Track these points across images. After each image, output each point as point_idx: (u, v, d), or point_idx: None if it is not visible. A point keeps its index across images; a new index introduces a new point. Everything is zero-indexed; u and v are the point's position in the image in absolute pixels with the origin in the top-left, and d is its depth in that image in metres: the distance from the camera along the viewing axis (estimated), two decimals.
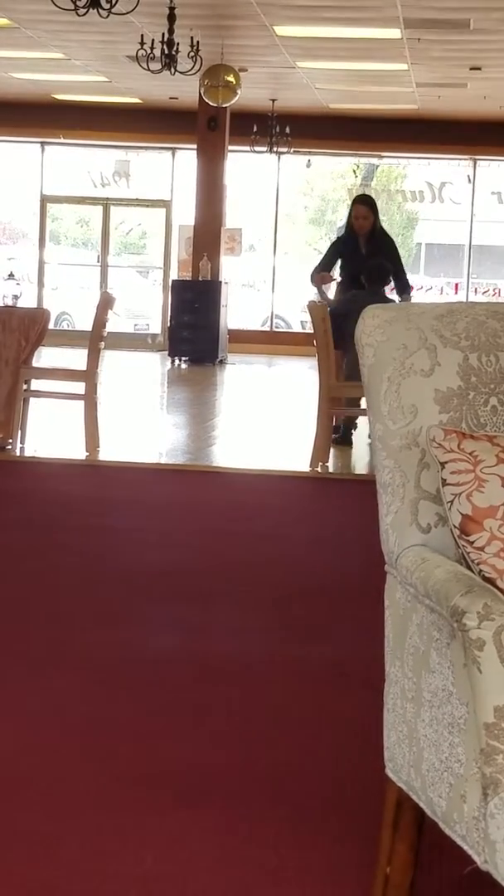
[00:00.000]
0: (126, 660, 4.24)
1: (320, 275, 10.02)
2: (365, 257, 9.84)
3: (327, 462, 8.64)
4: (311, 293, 11.05)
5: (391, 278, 9.76)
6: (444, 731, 2.26)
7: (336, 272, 10.27)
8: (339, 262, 10.22)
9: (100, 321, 8.69)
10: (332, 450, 8.87)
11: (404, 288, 10.02)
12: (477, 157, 20.35)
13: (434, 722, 2.30)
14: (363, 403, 9.12)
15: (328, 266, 10.19)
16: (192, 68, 12.39)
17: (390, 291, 10.14)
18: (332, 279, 10.12)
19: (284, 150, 18.35)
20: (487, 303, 2.76)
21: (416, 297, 21.76)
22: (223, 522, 6.80)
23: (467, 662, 2.13)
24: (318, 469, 8.49)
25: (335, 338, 8.62)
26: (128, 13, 9.87)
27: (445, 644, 2.23)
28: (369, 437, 9.79)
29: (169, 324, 17.68)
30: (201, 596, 5.16)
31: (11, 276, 14.70)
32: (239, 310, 20.82)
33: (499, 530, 2.28)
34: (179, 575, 5.50)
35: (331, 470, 8.61)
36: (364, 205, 10.14)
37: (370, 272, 9.54)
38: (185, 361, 16.98)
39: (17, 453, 8.64)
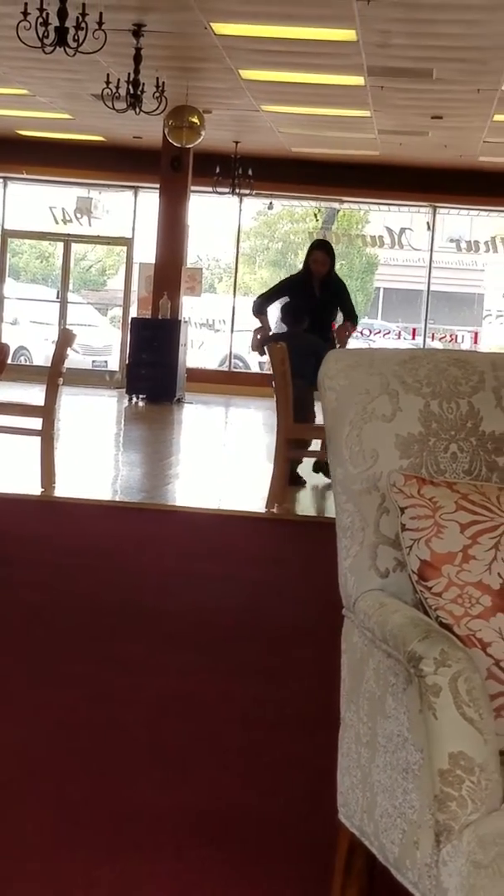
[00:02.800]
0: (75, 698, 4.21)
1: (261, 329, 10.25)
2: (318, 299, 10.06)
3: (284, 503, 8.65)
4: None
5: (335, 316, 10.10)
6: (398, 776, 2.26)
7: (273, 307, 10.51)
8: (282, 298, 10.44)
9: (59, 357, 8.68)
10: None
11: (350, 315, 10.27)
12: (436, 204, 20.54)
13: (388, 767, 2.30)
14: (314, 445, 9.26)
15: (273, 298, 10.45)
16: (156, 108, 12.45)
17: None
18: (267, 333, 10.31)
19: (247, 192, 18.45)
20: (449, 350, 2.79)
21: (375, 341, 21.95)
22: (178, 562, 6.78)
23: (423, 708, 2.13)
24: (275, 510, 8.49)
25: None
26: (94, 52, 9.92)
27: (402, 689, 2.24)
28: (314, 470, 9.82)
29: (127, 361, 17.67)
30: (154, 635, 5.13)
31: None
32: (198, 349, 20.87)
33: (457, 576, 2.29)
34: (131, 614, 5.48)
35: (287, 511, 8.62)
36: (322, 250, 10.48)
37: (322, 318, 9.79)
38: (142, 399, 16.98)
39: None
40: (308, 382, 8.44)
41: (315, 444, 9.32)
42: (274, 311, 10.74)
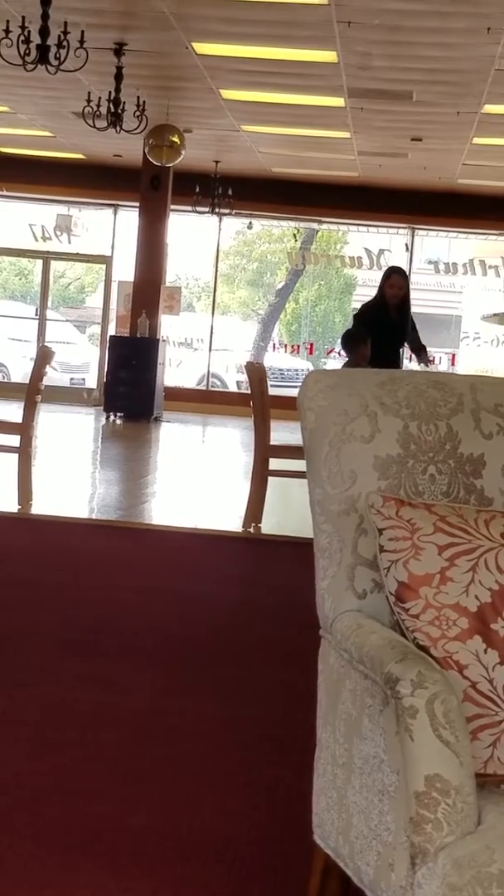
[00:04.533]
0: (51, 716, 4.19)
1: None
2: (395, 323, 10.08)
3: (260, 523, 8.64)
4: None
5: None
6: (374, 798, 2.26)
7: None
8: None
9: (37, 374, 8.66)
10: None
11: (422, 346, 10.53)
12: (415, 225, 20.62)
13: (364, 789, 2.30)
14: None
15: (362, 328, 10.23)
16: (137, 127, 12.49)
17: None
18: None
19: (226, 211, 18.50)
20: (428, 372, 2.80)
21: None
22: (154, 580, 6.77)
23: (399, 730, 2.13)
24: (251, 530, 8.49)
25: None
26: (76, 70, 9.94)
27: (378, 711, 2.23)
28: None
29: (105, 379, 17.66)
30: (129, 654, 5.12)
31: None
32: (176, 368, 20.87)
33: (434, 598, 2.29)
34: (107, 632, 5.46)
35: (263, 531, 8.61)
36: (399, 275, 10.56)
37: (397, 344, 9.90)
38: (120, 417, 16.97)
39: None
40: None
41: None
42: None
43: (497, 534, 2.35)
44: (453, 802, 2.09)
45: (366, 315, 10.53)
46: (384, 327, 10.09)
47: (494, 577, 2.31)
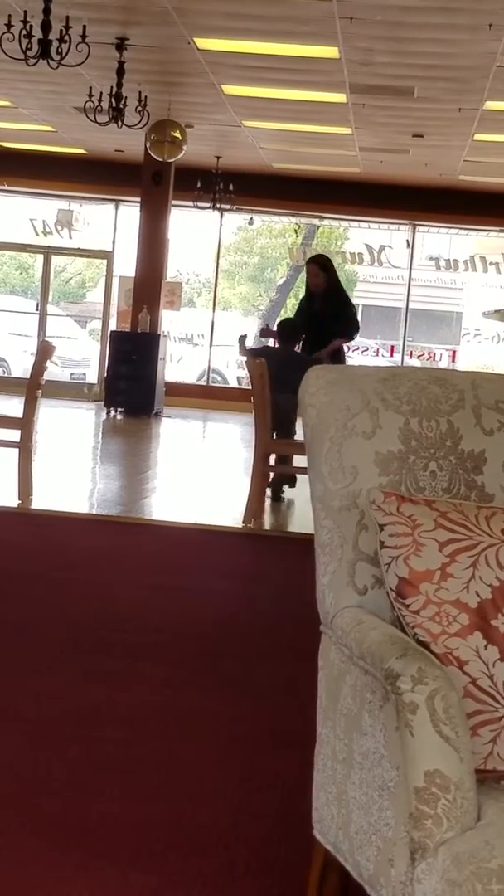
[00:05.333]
0: (52, 711, 4.20)
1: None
2: (316, 314, 10.09)
3: (260, 519, 8.65)
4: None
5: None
6: (373, 793, 2.26)
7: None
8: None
9: (38, 369, 8.66)
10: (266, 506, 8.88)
11: (342, 334, 10.25)
12: (416, 222, 20.61)
13: (364, 784, 2.30)
14: (298, 462, 9.27)
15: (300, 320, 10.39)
16: (138, 122, 12.48)
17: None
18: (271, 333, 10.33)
19: (227, 207, 18.49)
20: (429, 368, 2.81)
21: (353, 357, 21.98)
22: (154, 575, 6.77)
23: (399, 726, 2.13)
24: (251, 525, 8.49)
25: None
26: (77, 65, 9.93)
27: (378, 706, 2.24)
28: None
29: (106, 374, 17.66)
30: (129, 649, 5.12)
31: None
32: (176, 363, 20.87)
33: (435, 594, 2.30)
34: (107, 627, 5.47)
35: (264, 527, 8.62)
36: (314, 263, 10.51)
37: (318, 334, 9.80)
38: (120, 412, 16.96)
39: None
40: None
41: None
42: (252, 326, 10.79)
43: (498, 530, 2.35)
44: (453, 798, 2.09)
45: (301, 306, 10.65)
46: (312, 317, 10.19)
47: (495, 574, 2.31)
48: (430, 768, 2.09)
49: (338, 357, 10.22)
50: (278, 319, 10.44)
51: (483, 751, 2.26)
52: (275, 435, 9.05)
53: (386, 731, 2.20)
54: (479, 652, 2.27)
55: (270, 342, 10.61)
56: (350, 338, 10.61)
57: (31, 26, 9.49)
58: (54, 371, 17.10)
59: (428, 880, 2.08)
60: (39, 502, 8.60)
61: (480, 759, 2.26)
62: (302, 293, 11.27)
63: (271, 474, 9.39)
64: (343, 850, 2.39)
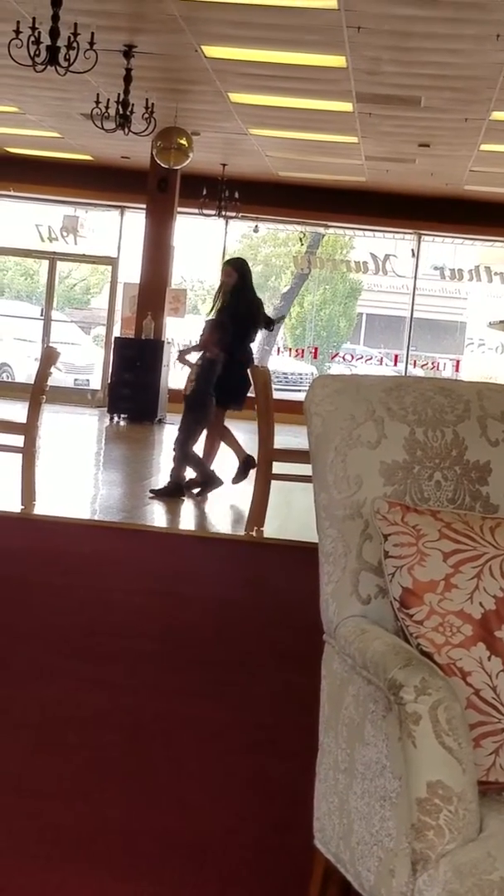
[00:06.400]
0: (52, 718, 4.19)
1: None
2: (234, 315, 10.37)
3: (263, 527, 8.64)
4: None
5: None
6: (375, 804, 2.25)
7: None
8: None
9: (42, 375, 8.67)
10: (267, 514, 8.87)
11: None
12: (421, 231, 20.61)
13: (366, 794, 2.30)
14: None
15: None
16: (145, 129, 12.49)
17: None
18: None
19: (233, 214, 18.49)
20: (435, 378, 2.80)
21: (357, 367, 21.99)
22: (156, 582, 6.77)
23: (402, 736, 2.13)
24: (254, 533, 8.49)
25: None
26: (85, 72, 9.94)
27: (381, 717, 2.23)
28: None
29: (109, 380, 17.66)
30: (131, 656, 5.12)
31: None
32: (180, 370, 20.85)
33: (438, 605, 2.29)
34: (109, 633, 5.46)
35: (266, 535, 8.61)
36: (227, 265, 10.95)
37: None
38: (123, 419, 16.96)
39: None
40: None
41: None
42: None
43: (502, 541, 2.35)
44: (455, 809, 2.09)
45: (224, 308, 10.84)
46: (233, 318, 10.41)
47: (499, 585, 2.31)
48: (432, 779, 2.09)
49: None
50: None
51: (485, 762, 2.26)
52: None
53: (388, 741, 2.20)
54: (482, 663, 2.26)
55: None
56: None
57: (39, 33, 9.49)
58: (58, 377, 17.07)
59: (430, 891, 2.07)
60: (42, 508, 8.59)
61: (483, 771, 2.25)
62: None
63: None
64: (344, 860, 2.38)
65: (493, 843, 2.08)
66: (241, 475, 10.34)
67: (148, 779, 3.70)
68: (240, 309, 10.51)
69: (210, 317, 11.01)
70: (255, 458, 8.92)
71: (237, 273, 10.68)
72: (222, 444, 10.58)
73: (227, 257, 21.37)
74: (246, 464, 10.30)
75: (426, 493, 2.51)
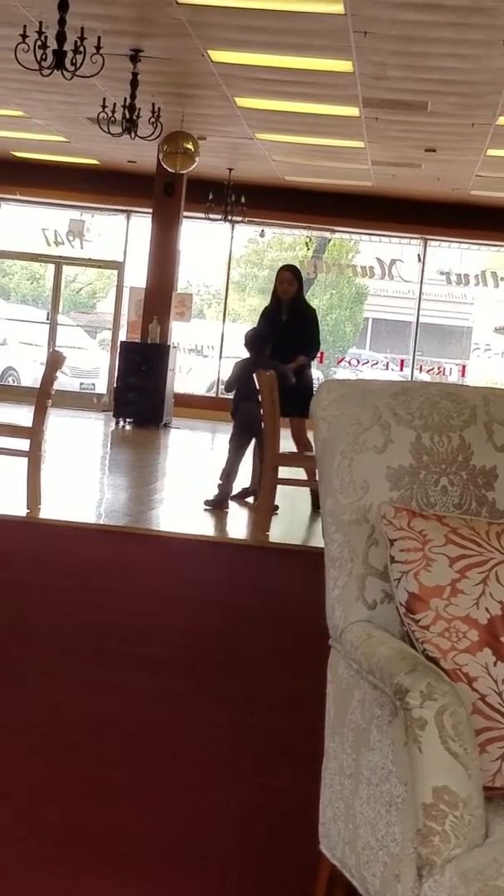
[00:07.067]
0: (57, 721, 4.19)
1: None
2: (282, 324, 10.11)
3: (268, 531, 8.63)
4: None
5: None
6: (381, 809, 2.25)
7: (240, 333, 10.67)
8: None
9: (48, 379, 8.67)
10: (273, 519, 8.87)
11: (303, 348, 10.22)
12: (427, 236, 20.62)
13: (371, 800, 2.29)
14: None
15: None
16: (151, 134, 12.50)
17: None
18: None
19: (239, 219, 18.51)
20: (441, 383, 2.79)
21: (363, 371, 21.98)
22: (161, 587, 6.77)
23: (408, 741, 2.13)
24: (259, 538, 8.48)
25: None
26: (91, 76, 9.95)
27: (387, 722, 2.23)
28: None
29: (115, 385, 17.67)
30: (135, 660, 5.12)
31: None
32: (186, 374, 20.88)
33: (444, 610, 2.29)
34: (113, 637, 5.46)
35: (271, 539, 8.60)
36: (289, 272, 10.55)
37: (283, 345, 9.84)
38: (129, 423, 16.97)
39: None
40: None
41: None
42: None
43: None
44: (461, 815, 2.08)
45: (266, 313, 10.66)
46: (277, 326, 10.21)
47: None
48: (438, 784, 2.09)
49: (302, 373, 10.18)
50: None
51: (491, 768, 2.26)
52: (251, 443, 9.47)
53: (394, 746, 2.20)
54: (488, 669, 2.26)
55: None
56: (312, 356, 10.60)
57: (45, 37, 9.51)
58: (64, 381, 17.12)
59: None
60: (48, 512, 8.60)
61: (489, 777, 2.25)
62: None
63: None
64: (349, 865, 2.38)
65: (498, 848, 2.08)
66: (240, 497, 10.14)
67: (151, 783, 3.69)
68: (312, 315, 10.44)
69: (254, 324, 10.84)
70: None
71: (299, 282, 10.50)
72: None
73: (232, 261, 21.42)
74: (249, 492, 10.16)
75: (432, 498, 2.51)
